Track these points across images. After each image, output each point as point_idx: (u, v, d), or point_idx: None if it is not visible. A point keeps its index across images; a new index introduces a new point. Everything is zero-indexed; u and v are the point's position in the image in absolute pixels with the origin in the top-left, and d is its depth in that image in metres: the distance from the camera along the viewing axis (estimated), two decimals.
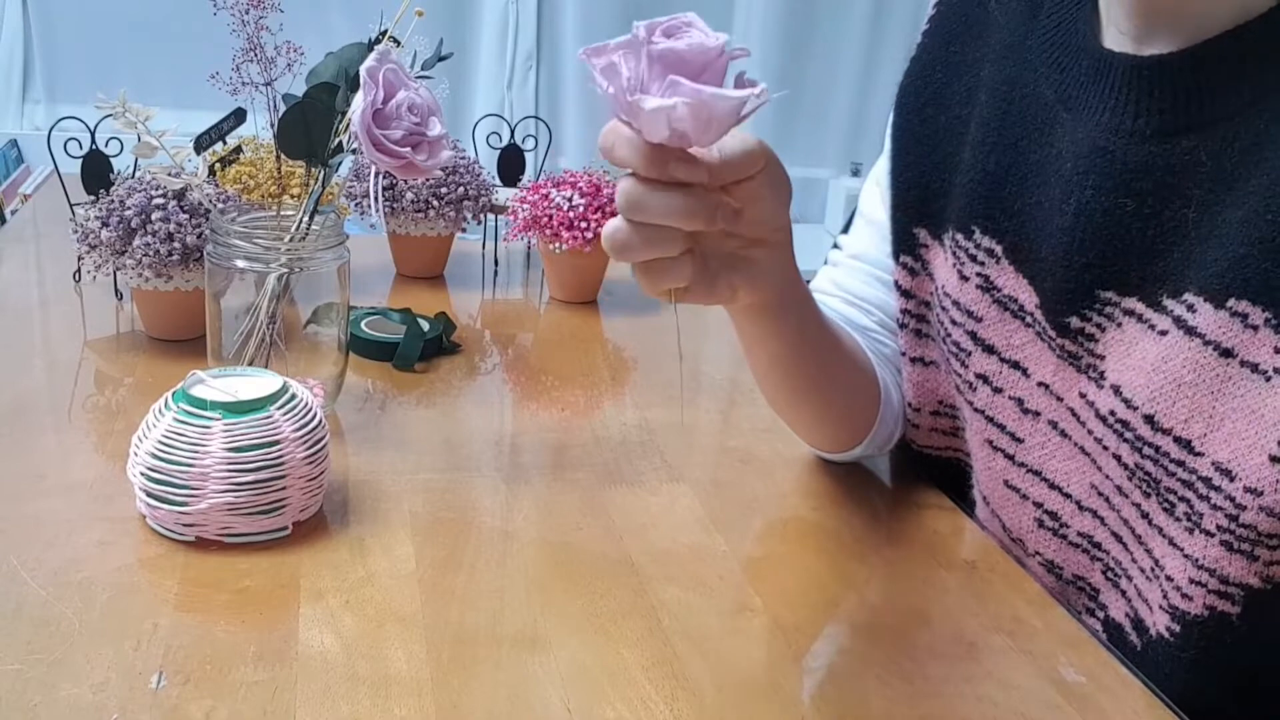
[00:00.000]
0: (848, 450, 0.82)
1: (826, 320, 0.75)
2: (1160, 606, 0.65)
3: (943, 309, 0.77)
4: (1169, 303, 0.63)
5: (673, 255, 0.56)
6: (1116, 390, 0.65)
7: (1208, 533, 0.61)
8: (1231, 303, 0.59)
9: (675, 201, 0.53)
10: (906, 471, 0.86)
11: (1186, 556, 0.63)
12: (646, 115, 0.50)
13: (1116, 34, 0.66)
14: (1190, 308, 0.61)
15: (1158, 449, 0.63)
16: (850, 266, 0.86)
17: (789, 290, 0.67)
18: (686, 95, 0.49)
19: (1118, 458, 0.66)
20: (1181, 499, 0.63)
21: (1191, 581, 0.63)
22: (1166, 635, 0.65)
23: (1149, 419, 0.63)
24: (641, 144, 0.53)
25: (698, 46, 0.50)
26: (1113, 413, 0.66)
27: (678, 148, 0.53)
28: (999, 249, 0.71)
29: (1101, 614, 0.71)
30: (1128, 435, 0.65)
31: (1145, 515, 0.66)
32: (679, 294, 0.59)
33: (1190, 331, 0.61)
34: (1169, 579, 0.64)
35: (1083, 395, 0.68)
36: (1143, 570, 0.67)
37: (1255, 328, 0.58)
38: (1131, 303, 0.65)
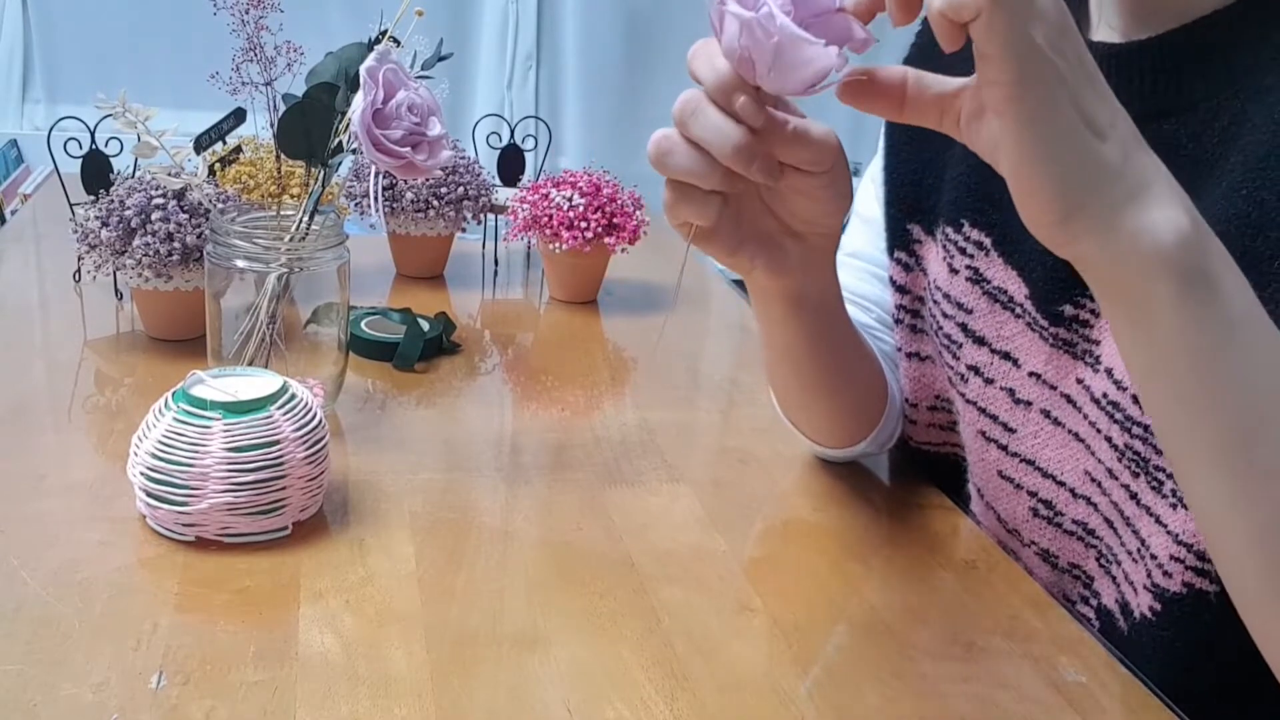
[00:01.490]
0: (851, 446, 0.82)
1: (850, 324, 0.75)
2: (1144, 587, 0.66)
3: (934, 302, 0.77)
4: None
5: (704, 187, 0.55)
6: (1109, 373, 0.66)
7: (1188, 507, 0.62)
8: None
9: (724, 126, 0.52)
10: (906, 471, 0.86)
11: (1169, 533, 0.63)
12: (726, 15, 0.49)
13: (1106, 29, 0.67)
14: None
15: (1146, 427, 0.64)
16: (848, 264, 0.86)
17: (812, 288, 0.67)
18: (763, 17, 0.48)
19: (1109, 439, 0.67)
20: (1169, 475, 0.63)
21: (1172, 558, 0.63)
22: (1149, 615, 0.65)
23: (1137, 398, 0.64)
24: (719, 64, 0.52)
25: None
26: (1105, 395, 0.66)
27: (751, 86, 0.52)
28: (988, 241, 0.72)
29: (1095, 601, 0.71)
30: (1118, 416, 0.65)
31: (1134, 496, 0.66)
32: (699, 234, 0.58)
33: None
34: (1153, 557, 0.65)
35: (1080, 381, 0.69)
36: (1130, 553, 0.67)
37: None
38: None
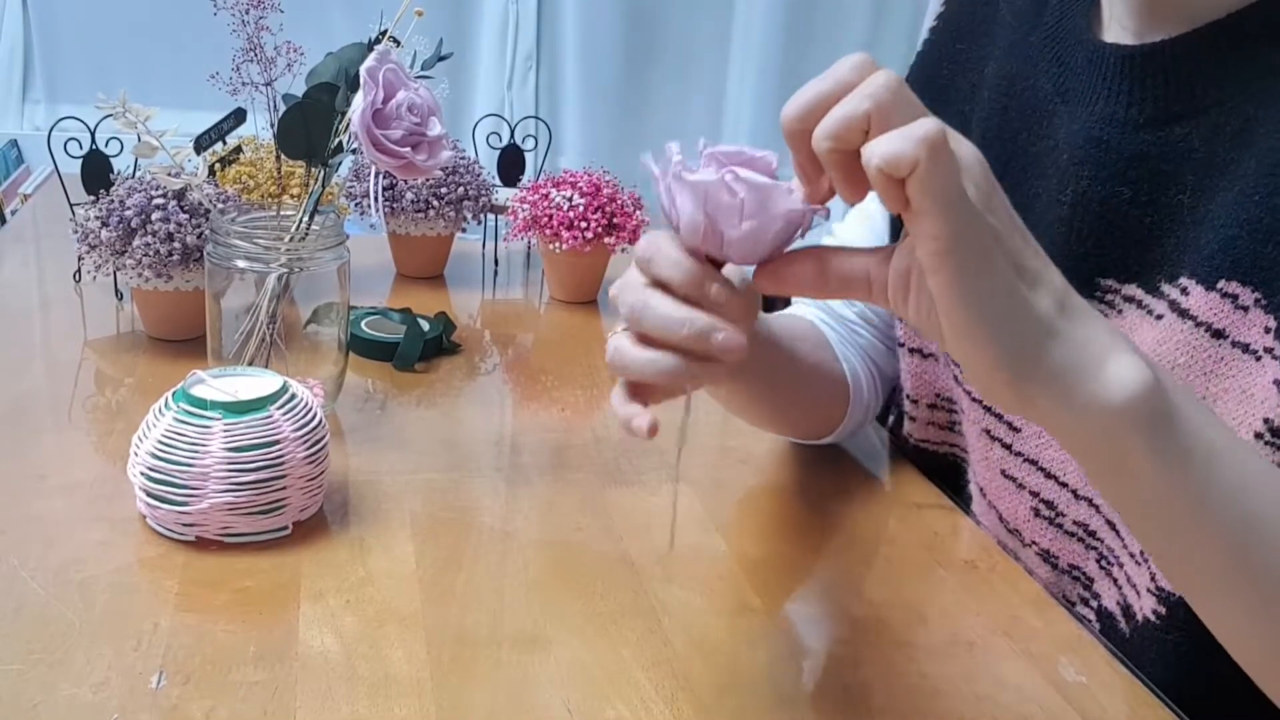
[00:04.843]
0: (817, 440, 0.85)
1: (798, 353, 0.76)
2: (1148, 589, 0.65)
3: None
4: (1166, 287, 0.63)
5: (670, 382, 0.55)
6: None
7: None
8: (1222, 284, 0.60)
9: (676, 314, 0.51)
10: (906, 471, 0.86)
11: None
12: (682, 188, 0.49)
13: (1118, 29, 0.67)
14: (1184, 291, 0.62)
15: None
16: None
17: (749, 368, 0.67)
18: (727, 177, 0.47)
19: None
20: None
21: None
22: (1153, 618, 0.65)
23: None
24: (681, 258, 0.51)
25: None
26: None
27: (715, 266, 0.51)
28: None
29: (1095, 603, 0.71)
30: None
31: None
32: None
33: (1183, 314, 0.62)
34: None
35: None
36: (1132, 555, 0.67)
37: (1245, 308, 0.59)
38: (1131, 289, 0.65)
